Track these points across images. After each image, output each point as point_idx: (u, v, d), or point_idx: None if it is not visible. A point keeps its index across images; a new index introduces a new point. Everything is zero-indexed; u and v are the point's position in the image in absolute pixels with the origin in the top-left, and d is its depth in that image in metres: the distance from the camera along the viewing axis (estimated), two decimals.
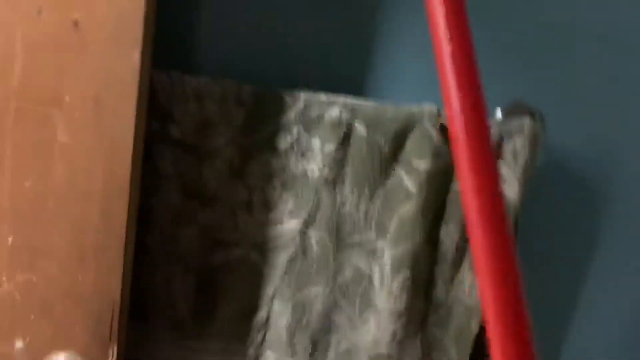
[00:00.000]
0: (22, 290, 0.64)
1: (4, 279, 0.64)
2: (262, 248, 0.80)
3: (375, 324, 0.82)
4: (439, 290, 0.82)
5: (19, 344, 0.67)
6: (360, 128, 0.75)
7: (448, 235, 0.80)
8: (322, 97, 0.75)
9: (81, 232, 0.63)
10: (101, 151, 0.63)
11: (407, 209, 0.77)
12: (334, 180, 0.77)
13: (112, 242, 0.63)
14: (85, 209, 0.62)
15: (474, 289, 0.81)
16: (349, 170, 0.77)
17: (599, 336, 1.00)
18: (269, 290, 0.82)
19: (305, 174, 0.77)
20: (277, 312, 0.82)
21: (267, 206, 0.78)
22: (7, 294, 0.64)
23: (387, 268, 0.79)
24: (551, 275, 0.97)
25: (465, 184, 0.49)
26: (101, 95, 0.63)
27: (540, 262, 0.95)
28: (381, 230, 0.79)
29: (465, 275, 0.81)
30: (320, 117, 0.74)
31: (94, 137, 0.63)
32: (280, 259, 0.80)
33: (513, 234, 0.80)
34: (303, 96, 0.75)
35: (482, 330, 0.84)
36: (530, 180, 0.79)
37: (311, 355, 0.84)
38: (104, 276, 0.64)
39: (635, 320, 0.99)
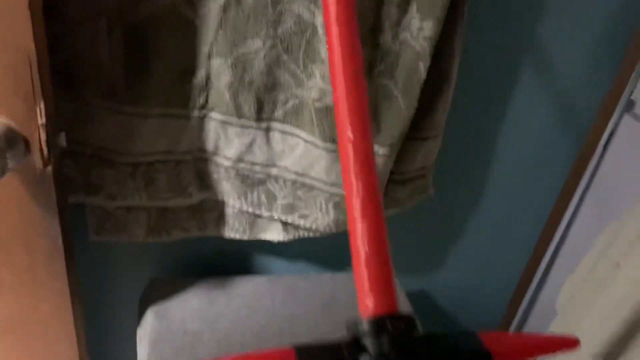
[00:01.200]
0: None
1: None
2: None
3: (321, 76, 0.79)
4: (386, 36, 0.78)
5: None
6: None
7: None
8: None
9: None
10: None
11: None
12: None
13: None
14: None
15: (422, 32, 0.78)
16: None
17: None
18: (204, 47, 0.76)
19: None
20: (217, 70, 0.78)
21: None
22: None
23: None
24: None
25: None
26: None
27: None
28: None
29: (413, 17, 0.77)
30: None
31: None
32: (213, 10, 0.73)
33: None
34: None
35: (429, 76, 0.83)
36: None
37: (258, 114, 0.82)
38: (9, 24, 0.57)
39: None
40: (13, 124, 0.64)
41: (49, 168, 0.67)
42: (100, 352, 1.11)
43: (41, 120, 0.64)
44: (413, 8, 0.77)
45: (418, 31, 0.78)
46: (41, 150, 0.66)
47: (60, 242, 0.74)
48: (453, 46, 0.83)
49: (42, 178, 0.68)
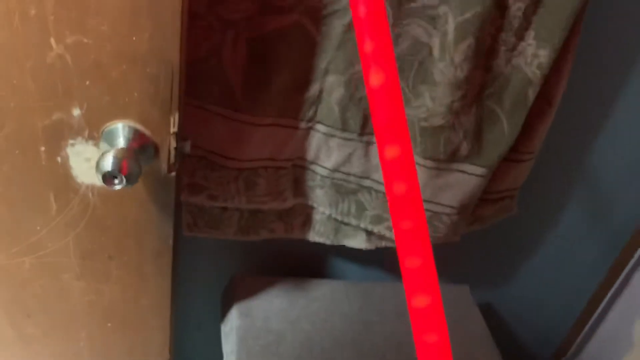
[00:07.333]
0: (74, 53, 0.59)
1: (53, 40, 0.59)
2: (317, 15, 0.73)
3: (430, 97, 0.79)
4: (500, 60, 0.78)
5: (76, 111, 0.64)
6: None
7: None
8: None
9: None
10: None
11: None
12: None
13: None
14: None
15: (537, 59, 0.77)
16: None
17: None
18: (322, 62, 0.77)
19: None
20: (330, 86, 0.79)
21: None
22: (57, 58, 0.60)
23: (450, 36, 0.74)
24: None
25: None
26: None
27: None
28: None
29: (529, 44, 0.77)
30: None
31: None
32: (336, 29, 0.74)
33: None
34: None
35: (536, 99, 0.82)
36: None
37: (362, 128, 0.83)
38: (160, 35, 0.59)
39: None
40: (146, 131, 0.66)
41: (173, 173, 0.70)
42: (179, 342, 1.15)
43: (173, 128, 0.66)
44: (530, 35, 0.77)
45: (532, 58, 0.77)
46: (168, 156, 0.68)
47: (170, 242, 0.77)
48: (562, 71, 0.82)
49: (164, 182, 0.70)
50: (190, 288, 1.09)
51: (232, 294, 1.00)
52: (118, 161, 0.61)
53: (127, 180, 0.63)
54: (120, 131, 0.66)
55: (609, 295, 1.19)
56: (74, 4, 0.57)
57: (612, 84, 0.97)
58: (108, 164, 0.61)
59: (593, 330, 1.25)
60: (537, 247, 1.16)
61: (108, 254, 0.78)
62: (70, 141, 0.66)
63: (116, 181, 0.63)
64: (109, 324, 0.87)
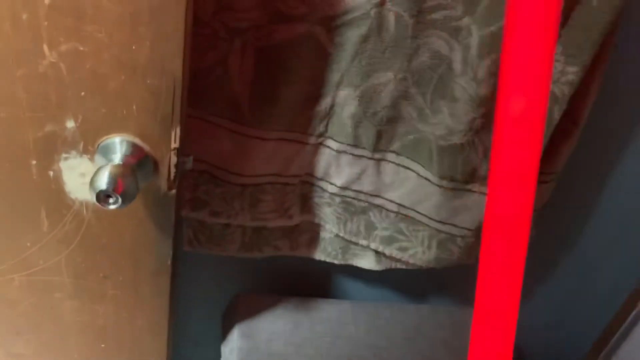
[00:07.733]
0: (68, 61, 0.55)
1: (46, 47, 0.54)
2: (330, 25, 0.68)
3: (449, 114, 0.75)
4: None
5: (70, 123, 0.60)
6: None
7: None
8: None
9: None
10: None
11: None
12: None
13: (170, 2, 0.52)
14: None
15: (565, 76, 0.72)
16: None
17: None
18: (334, 76, 0.73)
19: None
20: (343, 100, 0.74)
21: None
22: (51, 66, 0.55)
23: (474, 51, 0.69)
24: None
25: None
26: None
27: None
28: (470, 5, 0.68)
29: (557, 59, 0.72)
30: None
31: None
32: (351, 40, 0.70)
33: None
34: None
35: (562, 118, 0.78)
36: None
37: (375, 145, 0.78)
38: (161, 44, 0.54)
39: None
40: (145, 146, 0.62)
41: (173, 191, 0.65)
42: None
43: (174, 144, 0.62)
44: (558, 50, 0.72)
45: (560, 74, 0.73)
46: (169, 173, 0.64)
47: (169, 261, 0.72)
48: (589, 89, 0.77)
49: (164, 200, 0.66)
50: (189, 306, 1.04)
51: (234, 313, 0.95)
52: (113, 179, 0.57)
53: (122, 200, 0.58)
54: (117, 145, 0.61)
55: (625, 324, 1.13)
56: (70, 9, 0.52)
57: (637, 103, 0.92)
58: (102, 181, 0.57)
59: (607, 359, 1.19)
60: (551, 271, 1.10)
61: (103, 273, 0.74)
62: (64, 155, 0.61)
63: (111, 200, 0.58)
64: (103, 345, 0.83)
